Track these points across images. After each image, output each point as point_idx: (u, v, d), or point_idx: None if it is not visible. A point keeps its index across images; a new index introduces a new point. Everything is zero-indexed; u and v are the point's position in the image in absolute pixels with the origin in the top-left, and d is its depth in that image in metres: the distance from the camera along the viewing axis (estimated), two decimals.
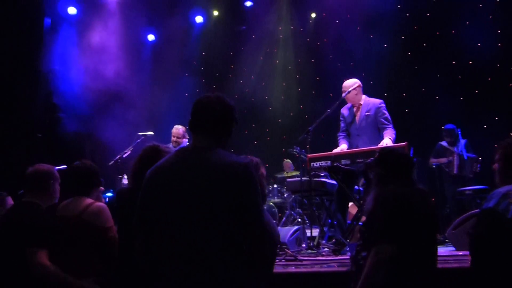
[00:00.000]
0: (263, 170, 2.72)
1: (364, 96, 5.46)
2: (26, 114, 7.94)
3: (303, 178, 5.59)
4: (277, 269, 3.70)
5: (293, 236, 5.24)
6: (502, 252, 2.39)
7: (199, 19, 10.56)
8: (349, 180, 5.11)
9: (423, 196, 2.64)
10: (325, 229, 5.58)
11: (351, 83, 5.38)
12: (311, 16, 10.57)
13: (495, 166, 2.68)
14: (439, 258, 2.80)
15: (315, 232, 5.76)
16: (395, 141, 4.97)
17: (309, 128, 5.09)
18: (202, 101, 2.13)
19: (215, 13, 10.72)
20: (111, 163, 5.78)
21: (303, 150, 6.08)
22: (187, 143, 6.20)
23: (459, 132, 7.46)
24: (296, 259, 4.24)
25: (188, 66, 10.38)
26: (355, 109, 5.46)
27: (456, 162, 7.33)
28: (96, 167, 3.25)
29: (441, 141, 7.65)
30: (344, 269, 3.58)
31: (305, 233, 5.41)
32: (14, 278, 2.89)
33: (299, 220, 7.27)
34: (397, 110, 7.20)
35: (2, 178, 6.73)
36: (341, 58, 9.61)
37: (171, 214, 1.94)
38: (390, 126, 5.18)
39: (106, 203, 3.29)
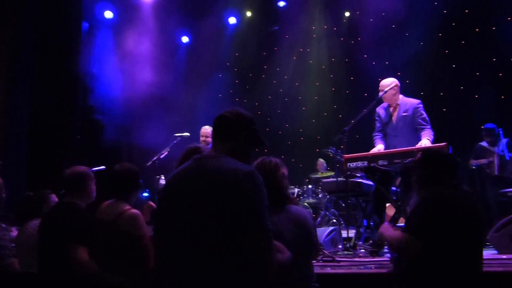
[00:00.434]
0: (284, 170, 2.66)
1: (401, 96, 5.35)
2: (65, 116, 8.18)
3: (339, 179, 5.54)
4: (315, 269, 3.68)
5: (329, 237, 5.20)
6: None
7: (232, 20, 10.64)
8: (386, 181, 5.03)
9: (469, 198, 2.57)
10: (361, 230, 5.51)
11: (389, 82, 5.27)
12: (344, 15, 10.49)
13: None
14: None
15: (351, 233, 5.70)
16: (433, 142, 4.86)
17: (345, 128, 5.03)
18: (220, 113, 2.22)
19: (248, 13, 10.78)
20: (148, 163, 5.87)
21: (339, 151, 6.03)
22: None
23: (501, 132, 7.22)
24: (333, 260, 4.21)
25: (222, 67, 10.46)
26: (391, 109, 5.35)
27: (497, 162, 7.12)
28: (135, 170, 3.26)
29: (480, 141, 7.44)
30: (382, 271, 3.53)
31: (341, 234, 5.36)
32: (56, 273, 3.02)
33: (334, 220, 7.22)
34: (434, 109, 7.07)
35: (43, 178, 6.95)
36: (375, 57, 9.48)
37: (175, 219, 2.00)
38: (428, 127, 5.06)
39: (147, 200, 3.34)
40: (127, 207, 3.08)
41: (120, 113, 8.64)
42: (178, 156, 2.93)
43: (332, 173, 8.43)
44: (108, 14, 9.35)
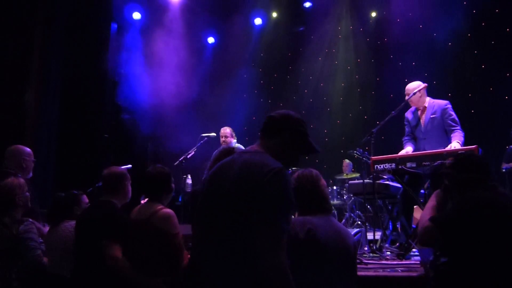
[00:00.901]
0: (323, 181, 2.76)
1: (428, 98, 5.28)
2: (94, 115, 8.32)
3: (365, 181, 5.51)
4: None
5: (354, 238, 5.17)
6: None
7: (258, 21, 10.69)
8: (414, 184, 4.97)
9: (509, 200, 2.51)
10: (388, 232, 5.47)
11: (415, 86, 5.22)
12: (371, 16, 10.41)
13: None
14: None
15: (377, 235, 5.66)
16: (463, 144, 4.78)
17: (373, 130, 5.00)
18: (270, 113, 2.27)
19: (274, 14, 10.80)
20: (176, 163, 5.94)
21: (366, 152, 5.99)
22: (235, 143, 6.27)
23: None
24: (361, 262, 4.19)
25: (247, 67, 10.51)
26: (419, 112, 5.29)
27: None
28: (167, 173, 3.28)
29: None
30: (409, 274, 3.51)
31: (366, 236, 5.33)
32: (91, 269, 3.09)
33: (359, 222, 7.18)
34: (463, 111, 6.92)
35: (71, 176, 7.10)
36: (402, 58, 9.39)
37: (206, 211, 2.06)
38: (458, 128, 4.98)
39: (179, 202, 3.39)
40: (161, 206, 3.13)
41: (147, 112, 8.77)
42: (206, 156, 2.96)
43: (357, 175, 8.39)
44: (136, 15, 9.51)
